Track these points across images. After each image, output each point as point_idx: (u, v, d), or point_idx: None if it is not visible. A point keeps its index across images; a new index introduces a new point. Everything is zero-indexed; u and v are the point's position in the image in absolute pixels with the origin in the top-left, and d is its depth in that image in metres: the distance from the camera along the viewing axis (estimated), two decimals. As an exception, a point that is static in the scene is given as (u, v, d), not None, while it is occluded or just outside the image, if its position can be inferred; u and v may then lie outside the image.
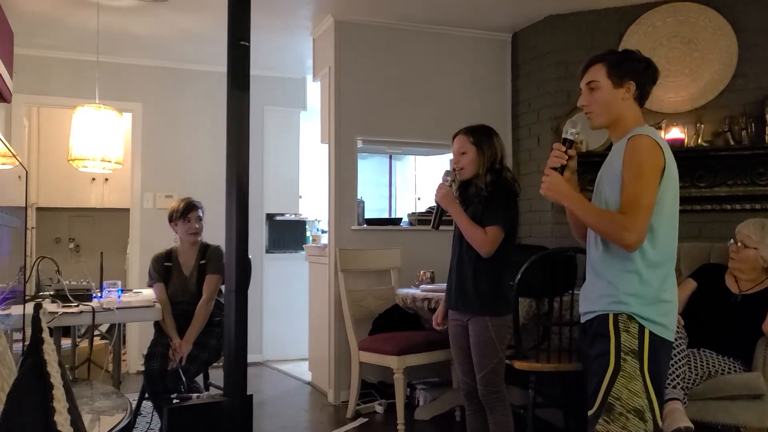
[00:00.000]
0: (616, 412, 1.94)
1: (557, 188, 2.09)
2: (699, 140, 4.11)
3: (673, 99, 4.24)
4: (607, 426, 1.94)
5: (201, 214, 3.79)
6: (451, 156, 5.52)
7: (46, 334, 1.07)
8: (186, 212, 3.73)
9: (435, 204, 2.93)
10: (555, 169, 2.12)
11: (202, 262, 3.76)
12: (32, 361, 1.03)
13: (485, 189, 2.82)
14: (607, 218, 2.02)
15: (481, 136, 2.88)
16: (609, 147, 4.19)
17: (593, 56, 2.18)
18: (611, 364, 1.97)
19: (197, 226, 3.75)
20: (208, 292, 3.68)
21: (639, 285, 2.00)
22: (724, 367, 3.07)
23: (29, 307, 2.34)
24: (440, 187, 2.90)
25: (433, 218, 2.96)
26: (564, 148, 2.13)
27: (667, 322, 2.02)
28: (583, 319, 2.18)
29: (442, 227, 2.96)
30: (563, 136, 2.18)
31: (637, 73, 2.10)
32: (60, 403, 0.99)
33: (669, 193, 2.02)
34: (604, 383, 1.97)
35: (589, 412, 2.00)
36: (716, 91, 4.17)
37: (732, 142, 4.04)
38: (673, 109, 4.23)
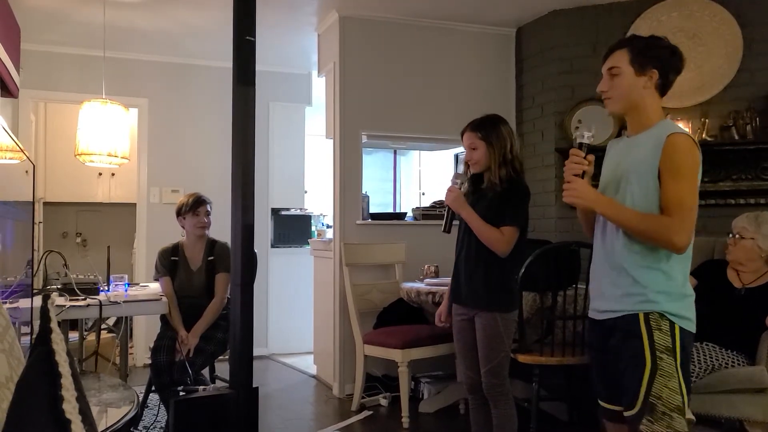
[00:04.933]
0: (659, 412, 1.91)
1: (586, 195, 2.03)
2: (703, 135, 4.10)
3: (677, 93, 4.22)
4: (651, 426, 1.92)
5: (209, 209, 3.81)
6: (455, 151, 5.50)
7: (54, 324, 1.08)
8: (195, 206, 3.76)
9: (445, 207, 2.85)
10: (576, 175, 2.06)
11: (210, 258, 3.78)
12: (41, 350, 1.05)
13: (500, 184, 2.77)
14: (653, 222, 1.96)
15: (488, 129, 2.82)
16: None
17: (618, 41, 2.10)
18: (648, 364, 1.93)
19: (206, 220, 3.78)
20: (221, 291, 3.70)
21: (665, 282, 1.98)
22: (728, 360, 3.08)
23: (37, 301, 2.37)
24: (451, 189, 2.83)
25: (444, 221, 2.84)
26: (583, 154, 2.07)
27: (691, 315, 2.01)
28: (602, 317, 2.11)
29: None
30: (579, 140, 2.09)
31: (662, 61, 2.02)
32: (68, 391, 1.00)
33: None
34: (643, 383, 1.93)
35: (628, 413, 1.97)
36: (721, 86, 4.16)
37: (736, 137, 4.03)
38: (677, 104, 4.21)
